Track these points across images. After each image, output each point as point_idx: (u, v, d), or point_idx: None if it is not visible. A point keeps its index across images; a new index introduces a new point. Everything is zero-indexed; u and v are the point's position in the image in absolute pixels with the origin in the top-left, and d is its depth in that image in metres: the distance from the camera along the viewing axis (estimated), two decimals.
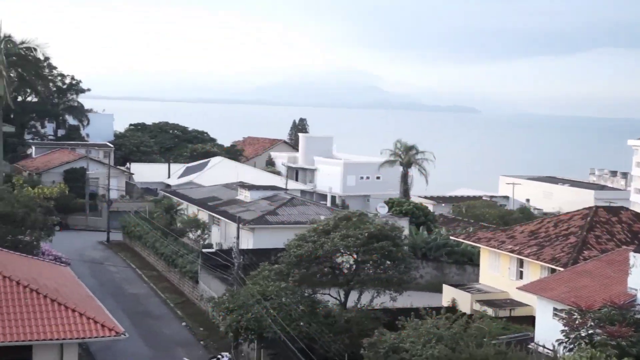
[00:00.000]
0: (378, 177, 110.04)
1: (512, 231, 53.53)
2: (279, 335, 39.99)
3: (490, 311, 47.61)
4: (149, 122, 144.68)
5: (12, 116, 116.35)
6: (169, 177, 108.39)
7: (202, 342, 50.43)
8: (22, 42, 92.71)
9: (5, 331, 29.58)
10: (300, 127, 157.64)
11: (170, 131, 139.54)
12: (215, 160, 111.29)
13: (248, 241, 61.73)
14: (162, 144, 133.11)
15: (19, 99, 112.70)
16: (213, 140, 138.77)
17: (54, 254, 56.68)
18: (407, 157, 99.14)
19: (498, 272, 52.28)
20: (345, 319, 41.77)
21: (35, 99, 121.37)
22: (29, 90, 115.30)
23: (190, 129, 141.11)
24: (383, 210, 69.26)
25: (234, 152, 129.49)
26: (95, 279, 63.44)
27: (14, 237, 50.00)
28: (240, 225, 55.25)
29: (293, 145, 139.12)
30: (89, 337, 30.69)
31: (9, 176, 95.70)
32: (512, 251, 50.44)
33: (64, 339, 29.95)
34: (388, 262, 43.91)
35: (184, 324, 54.64)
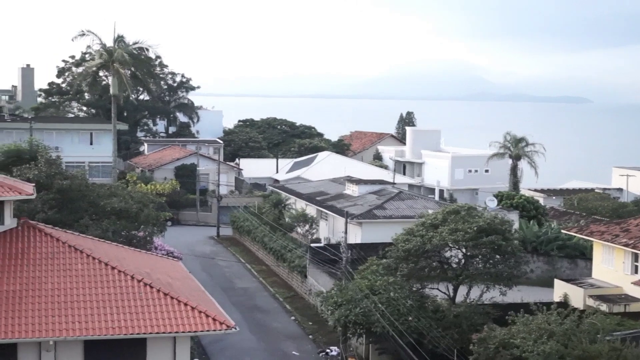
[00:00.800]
0: (487, 170, 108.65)
1: (627, 224, 52.02)
2: (387, 329, 39.93)
3: (604, 307, 46.43)
4: (257, 118, 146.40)
5: (125, 114, 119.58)
6: (277, 172, 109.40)
7: (310, 336, 50.78)
8: (135, 42, 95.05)
9: (121, 324, 30.38)
10: (407, 120, 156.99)
11: (278, 127, 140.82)
12: (322, 155, 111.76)
13: (356, 235, 61.82)
14: (270, 140, 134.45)
15: (132, 97, 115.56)
16: (320, 135, 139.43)
17: (167, 249, 57.95)
18: (516, 149, 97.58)
19: (612, 267, 50.93)
20: (454, 313, 41.39)
21: (147, 97, 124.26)
22: (141, 89, 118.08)
23: (297, 124, 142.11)
24: (492, 203, 68.38)
25: (341, 147, 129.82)
26: (206, 273, 64.59)
27: (129, 232, 51.26)
28: (348, 220, 55.36)
29: (400, 139, 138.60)
30: (201, 331, 31.23)
31: (122, 173, 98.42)
32: (626, 245, 49.06)
33: (176, 332, 30.57)
34: (497, 257, 43.31)
35: (292, 318, 55.13)
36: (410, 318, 40.32)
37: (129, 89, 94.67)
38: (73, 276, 32.32)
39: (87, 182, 53.74)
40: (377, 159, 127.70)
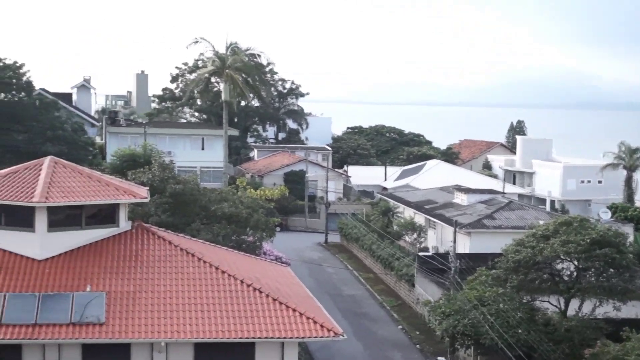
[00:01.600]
0: (600, 181, 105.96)
1: None
2: (496, 341, 39.33)
3: None
4: (365, 125, 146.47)
5: (236, 120, 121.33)
6: (385, 179, 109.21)
7: (418, 346, 50.41)
8: (247, 49, 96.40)
9: (230, 328, 30.78)
10: (517, 129, 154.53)
11: (387, 134, 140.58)
12: (431, 163, 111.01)
13: (464, 245, 61.15)
14: (379, 147, 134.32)
15: (242, 103, 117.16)
16: (429, 143, 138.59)
17: (275, 254, 58.43)
18: (631, 160, 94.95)
19: None
20: (566, 327, 40.46)
21: (257, 104, 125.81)
22: (252, 95, 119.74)
23: (406, 132, 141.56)
24: (606, 215, 66.68)
25: (450, 155, 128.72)
26: (313, 279, 64.85)
27: (238, 236, 51.86)
28: (457, 229, 54.83)
29: (510, 148, 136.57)
30: (309, 337, 31.38)
31: (233, 178, 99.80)
32: None
33: (284, 337, 30.79)
34: (611, 270, 42.15)
35: (400, 327, 54.85)
36: (520, 330, 39.62)
37: (245, 93, 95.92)
38: (185, 279, 32.92)
39: (199, 186, 54.63)
40: (487, 168, 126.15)
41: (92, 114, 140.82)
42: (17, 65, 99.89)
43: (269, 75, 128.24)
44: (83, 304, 30.78)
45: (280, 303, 32.01)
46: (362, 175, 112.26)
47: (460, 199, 72.51)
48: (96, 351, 30.42)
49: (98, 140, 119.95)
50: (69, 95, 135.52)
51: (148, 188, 39.89)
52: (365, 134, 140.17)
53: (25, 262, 32.96)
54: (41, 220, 33.14)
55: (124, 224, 35.43)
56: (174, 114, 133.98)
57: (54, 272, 32.52)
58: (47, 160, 36.16)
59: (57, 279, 32.17)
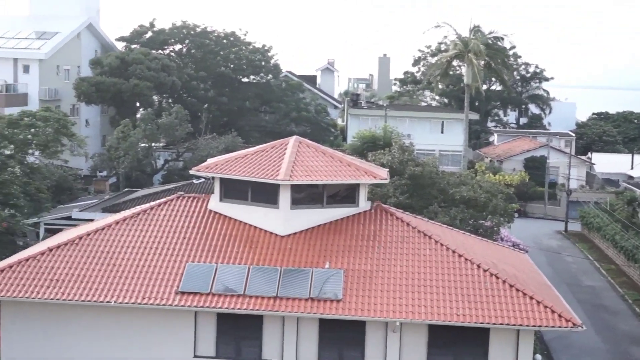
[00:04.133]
0: None
1: None
2: None
3: None
4: (612, 111, 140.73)
5: (477, 104, 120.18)
6: (632, 168, 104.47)
7: None
8: (490, 32, 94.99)
9: (465, 312, 30.60)
10: None
11: (635, 121, 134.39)
12: None
13: None
14: (626, 134, 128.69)
15: (484, 87, 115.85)
16: None
17: (513, 240, 57.46)
18: None
19: None
20: None
21: (499, 88, 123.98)
22: (493, 79, 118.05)
23: None
24: None
25: None
26: (551, 268, 63.30)
27: (476, 221, 51.45)
28: None
29: None
30: (546, 326, 30.63)
31: (471, 162, 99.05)
32: None
33: (520, 325, 30.24)
34: None
35: None
36: None
37: (487, 77, 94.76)
38: (421, 260, 33.04)
39: (438, 169, 54.64)
40: None
41: (335, 96, 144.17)
42: (266, 48, 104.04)
43: (512, 59, 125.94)
44: (322, 280, 31.65)
45: (517, 290, 31.43)
46: (607, 163, 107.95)
47: None
48: (332, 326, 31.19)
49: (339, 121, 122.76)
50: (314, 77, 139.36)
51: (387, 169, 40.27)
52: (611, 120, 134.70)
53: (269, 237, 34.26)
54: (285, 198, 34.32)
55: (364, 204, 36.01)
56: (414, 97, 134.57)
57: (295, 248, 33.62)
58: (292, 140, 37.35)
59: (298, 255, 33.23)
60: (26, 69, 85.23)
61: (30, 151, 55.22)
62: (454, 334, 30.90)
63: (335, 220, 35.06)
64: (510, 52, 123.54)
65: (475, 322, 30.25)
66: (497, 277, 32.00)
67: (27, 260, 32.67)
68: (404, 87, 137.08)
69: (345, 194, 35.88)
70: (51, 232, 52.52)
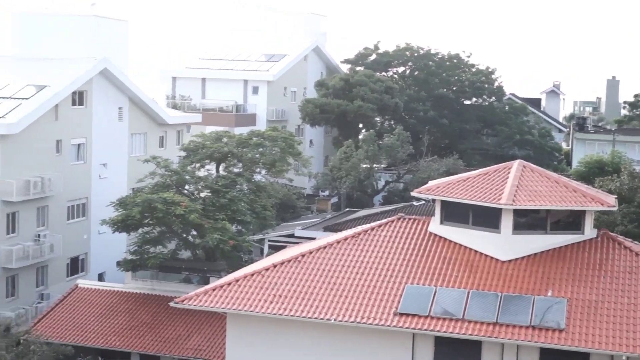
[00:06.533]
0: None
1: None
2: None
3: None
4: None
5: None
6: None
7: None
8: None
9: None
10: None
11: None
12: None
13: None
14: None
15: None
16: None
17: None
18: None
19: None
20: None
21: None
22: None
23: None
24: None
25: None
26: None
27: None
28: None
29: None
30: None
31: None
32: None
33: None
34: None
35: None
36: None
37: None
38: None
39: None
40: None
41: (560, 119, 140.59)
42: (489, 70, 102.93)
43: None
44: (544, 308, 30.79)
45: None
46: None
47: None
48: (554, 356, 30.24)
49: (564, 146, 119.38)
50: (538, 100, 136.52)
51: (616, 197, 38.71)
52: None
53: (489, 261, 33.76)
54: (507, 222, 33.71)
55: (589, 231, 34.77)
56: None
57: (516, 274, 32.91)
58: (516, 164, 36.71)
59: (519, 281, 32.51)
60: (255, 90, 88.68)
61: (257, 169, 57.17)
62: None
63: (558, 247, 34.06)
64: None
65: None
66: None
67: (252, 275, 33.86)
68: (634, 110, 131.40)
69: (569, 221, 34.83)
70: (275, 248, 54.31)
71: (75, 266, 56.39)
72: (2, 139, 49.30)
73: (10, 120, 49.65)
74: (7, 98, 52.81)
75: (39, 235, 52.20)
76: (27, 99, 52.43)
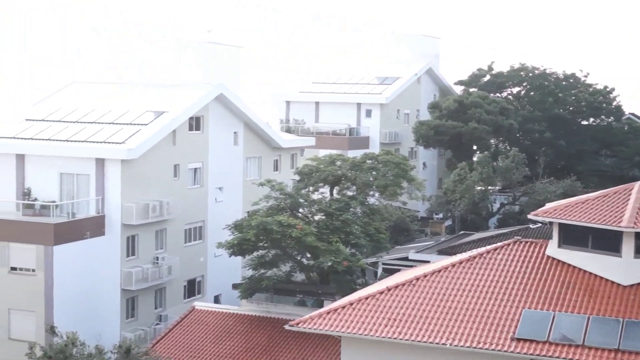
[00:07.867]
0: None
1: None
2: None
3: None
4: None
5: None
6: None
7: None
8: None
9: None
10: None
11: None
12: None
13: None
14: None
15: None
16: None
17: None
18: None
19: None
20: None
21: None
22: None
23: None
24: None
25: None
26: None
27: None
28: None
29: None
30: None
31: None
32: None
33: None
34: None
35: None
36: None
37: None
38: None
39: None
40: None
41: None
42: (607, 90, 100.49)
43: None
44: None
45: None
46: None
47: None
48: None
49: None
50: None
51: None
52: None
53: (610, 286, 32.82)
54: (628, 246, 32.72)
55: None
56: None
57: (639, 299, 31.88)
58: (637, 185, 35.65)
59: None
60: (368, 113, 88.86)
61: (370, 192, 57.14)
62: None
63: None
64: None
65: None
66: None
67: (367, 298, 33.76)
68: None
69: None
70: (389, 271, 54.06)
71: (192, 288, 57.41)
72: (123, 164, 50.61)
73: (130, 146, 50.93)
74: (128, 124, 54.27)
75: (157, 258, 53.32)
76: (146, 124, 53.77)
